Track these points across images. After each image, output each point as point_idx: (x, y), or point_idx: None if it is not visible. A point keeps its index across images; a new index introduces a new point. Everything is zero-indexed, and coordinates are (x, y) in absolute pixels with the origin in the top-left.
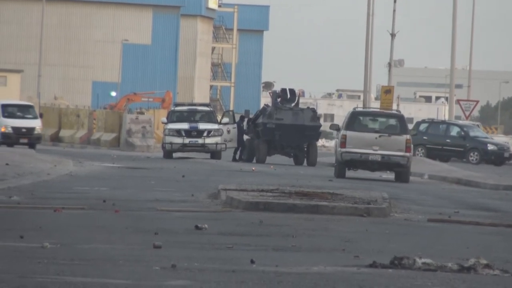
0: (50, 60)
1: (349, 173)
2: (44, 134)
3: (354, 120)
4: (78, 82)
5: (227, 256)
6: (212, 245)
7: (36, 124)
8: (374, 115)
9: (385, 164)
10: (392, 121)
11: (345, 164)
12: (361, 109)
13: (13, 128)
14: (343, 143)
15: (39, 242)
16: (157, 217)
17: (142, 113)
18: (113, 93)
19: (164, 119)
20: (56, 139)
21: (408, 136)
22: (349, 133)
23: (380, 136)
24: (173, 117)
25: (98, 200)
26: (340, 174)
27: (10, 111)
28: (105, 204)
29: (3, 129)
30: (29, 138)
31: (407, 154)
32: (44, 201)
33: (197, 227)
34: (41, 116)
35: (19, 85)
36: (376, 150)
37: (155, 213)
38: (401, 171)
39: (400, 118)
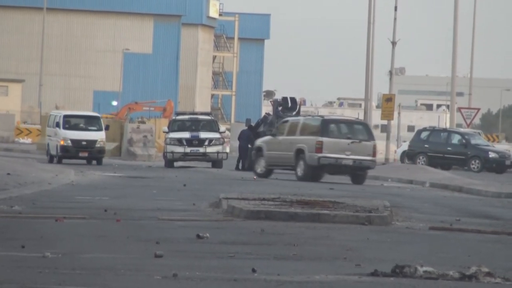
0: (51, 69)
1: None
2: (45, 143)
3: (327, 127)
4: (79, 92)
5: (228, 265)
6: (213, 254)
7: (98, 136)
8: (343, 123)
9: (356, 168)
10: (360, 128)
11: (321, 168)
12: (330, 117)
13: (72, 140)
14: (319, 149)
15: (40, 252)
16: (158, 226)
17: (143, 122)
18: (114, 103)
19: (166, 128)
20: None
21: (375, 142)
22: (325, 139)
23: (352, 142)
24: (175, 126)
25: (100, 209)
26: (315, 177)
27: (72, 122)
28: (106, 213)
29: (61, 142)
30: (90, 152)
31: (374, 158)
32: (45, 210)
33: (198, 236)
34: (106, 128)
35: (20, 95)
36: (348, 155)
37: (156, 222)
38: (359, 175)
39: (366, 125)
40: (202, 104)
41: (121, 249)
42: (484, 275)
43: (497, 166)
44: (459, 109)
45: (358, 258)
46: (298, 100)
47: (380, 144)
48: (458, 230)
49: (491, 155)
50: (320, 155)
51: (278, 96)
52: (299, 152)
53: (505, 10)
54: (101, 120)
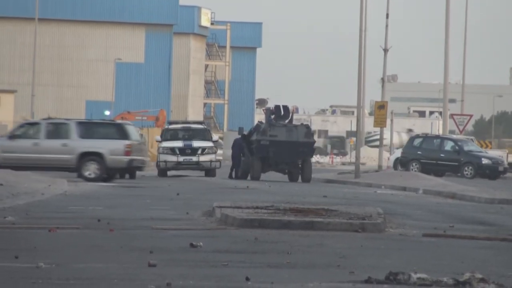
0: (43, 80)
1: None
2: None
3: (128, 131)
4: (72, 102)
5: (222, 273)
6: (207, 262)
7: None
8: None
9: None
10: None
11: (126, 170)
12: (122, 121)
13: None
14: (129, 152)
15: (34, 262)
16: (152, 236)
17: None
18: (107, 112)
19: (158, 137)
20: None
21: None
22: (133, 143)
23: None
24: (167, 135)
25: (93, 219)
26: (110, 178)
27: None
28: (99, 223)
29: None
30: None
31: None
32: (38, 221)
33: (192, 245)
34: None
35: (13, 105)
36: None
37: (149, 231)
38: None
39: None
40: (194, 113)
41: (115, 258)
42: (478, 281)
43: (490, 172)
44: (451, 115)
45: (351, 265)
46: (290, 108)
47: (373, 151)
48: (452, 236)
49: (484, 161)
50: (130, 157)
51: (271, 104)
52: (88, 155)
53: (497, 16)
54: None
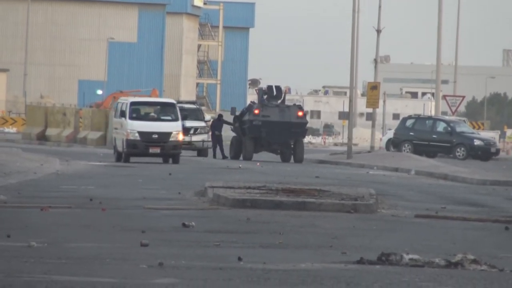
0: (36, 59)
1: None
2: (30, 133)
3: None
4: (64, 81)
5: (214, 253)
6: (199, 242)
7: (173, 128)
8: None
9: None
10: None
11: None
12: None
13: (141, 133)
14: None
15: (26, 241)
16: (144, 215)
17: None
18: (99, 92)
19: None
20: (42, 137)
21: None
22: None
23: None
24: None
25: (85, 198)
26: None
27: (141, 111)
28: (92, 202)
29: (127, 135)
30: (162, 147)
31: None
32: (30, 200)
33: (184, 225)
34: (184, 118)
35: (5, 84)
36: None
37: (142, 211)
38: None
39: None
40: (187, 92)
41: (107, 238)
42: (469, 262)
43: (482, 153)
44: (444, 96)
45: (343, 246)
46: (283, 88)
47: (366, 132)
48: (444, 217)
49: (476, 142)
50: None
51: (263, 85)
52: None
53: None
54: (177, 108)
